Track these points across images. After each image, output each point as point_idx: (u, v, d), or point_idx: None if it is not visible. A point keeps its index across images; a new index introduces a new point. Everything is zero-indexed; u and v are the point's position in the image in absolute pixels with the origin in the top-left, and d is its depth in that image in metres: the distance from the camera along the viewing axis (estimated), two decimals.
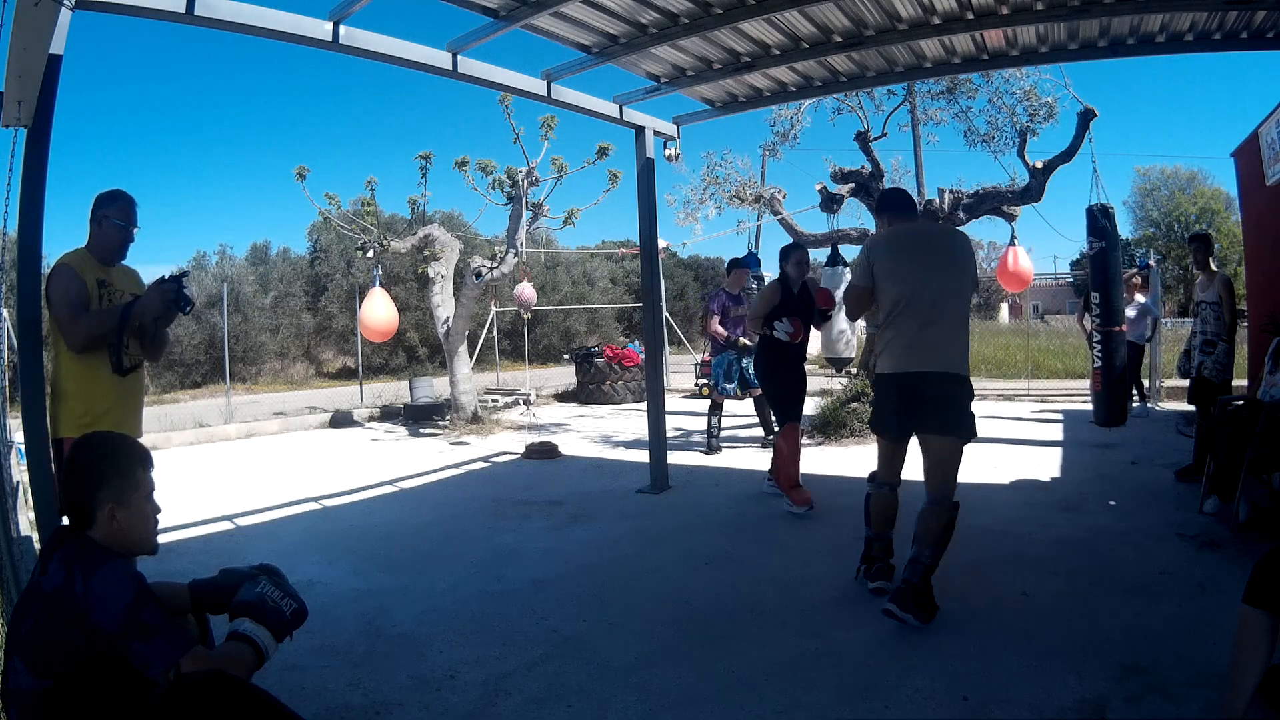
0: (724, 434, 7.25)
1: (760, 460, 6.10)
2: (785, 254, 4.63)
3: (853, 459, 5.88)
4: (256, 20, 3.25)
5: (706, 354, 12.53)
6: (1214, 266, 4.95)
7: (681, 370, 13.94)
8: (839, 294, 7.20)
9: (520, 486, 5.48)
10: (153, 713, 1.34)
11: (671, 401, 9.80)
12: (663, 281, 11.07)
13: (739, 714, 2.20)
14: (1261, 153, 5.33)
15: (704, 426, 8.07)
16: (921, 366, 2.86)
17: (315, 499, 5.23)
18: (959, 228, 7.51)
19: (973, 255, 3.04)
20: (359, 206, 9.94)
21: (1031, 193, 6.82)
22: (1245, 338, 6.19)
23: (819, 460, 5.88)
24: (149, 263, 2.81)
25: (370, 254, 8.45)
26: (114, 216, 2.56)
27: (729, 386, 6.22)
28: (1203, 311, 4.88)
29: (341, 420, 9.56)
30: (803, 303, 4.54)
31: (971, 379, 3.00)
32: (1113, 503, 4.29)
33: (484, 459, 6.74)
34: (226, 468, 6.74)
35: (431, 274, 8.70)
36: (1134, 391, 7.64)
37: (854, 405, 6.91)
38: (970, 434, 2.86)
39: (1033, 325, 23.10)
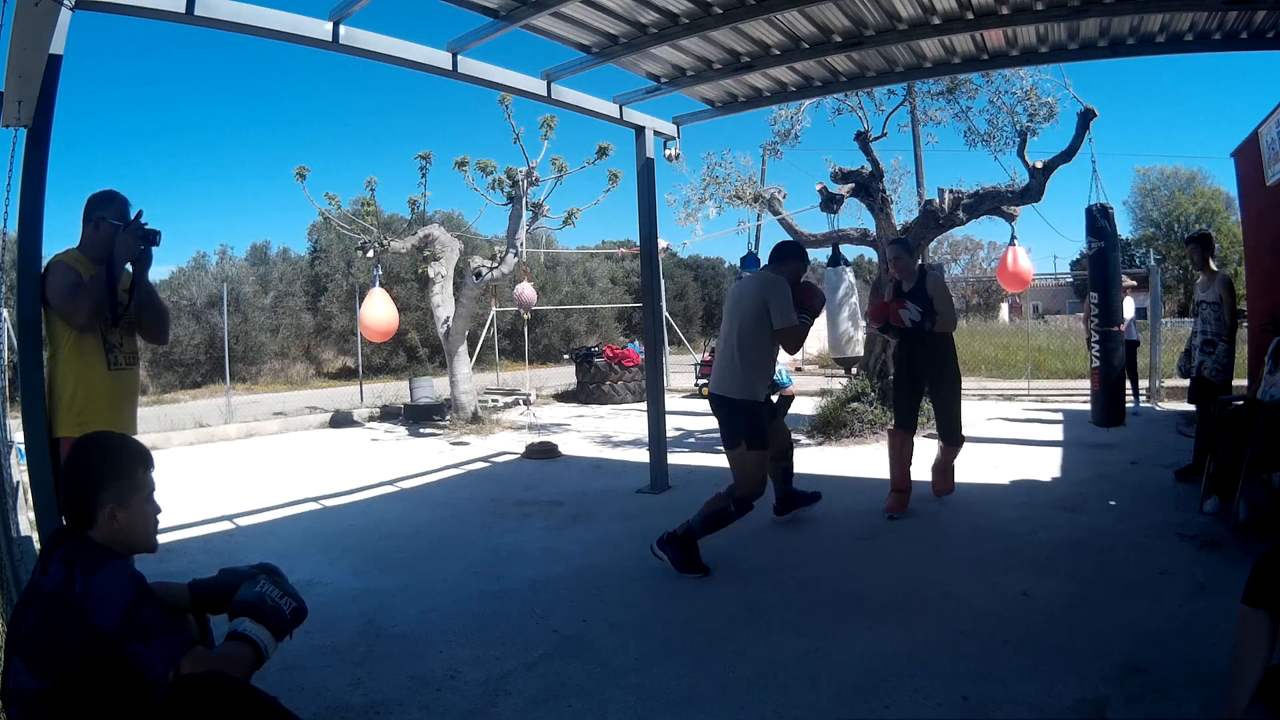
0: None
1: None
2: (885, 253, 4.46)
3: (853, 459, 5.88)
4: (256, 20, 3.25)
5: (706, 354, 12.57)
6: (1214, 266, 4.94)
7: (681, 370, 13.94)
8: (839, 295, 7.22)
9: (520, 486, 5.48)
10: (154, 714, 1.34)
11: (671, 401, 9.80)
12: (663, 281, 11.08)
13: (739, 714, 2.20)
14: (1261, 153, 5.33)
15: (704, 427, 8.10)
16: (709, 387, 3.75)
17: (315, 499, 5.23)
18: (955, 228, 7.53)
19: (765, 297, 3.52)
20: (359, 206, 9.95)
21: (1031, 193, 6.82)
22: (1245, 338, 6.18)
23: (819, 460, 5.88)
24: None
25: (370, 254, 8.46)
26: (111, 217, 2.55)
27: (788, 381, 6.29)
28: (1203, 311, 4.87)
29: (341, 420, 9.56)
30: (913, 300, 4.17)
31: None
32: (1113, 503, 4.29)
33: (484, 459, 6.74)
34: (226, 468, 6.74)
35: (431, 274, 8.70)
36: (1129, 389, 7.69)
37: (854, 405, 6.91)
38: (734, 443, 3.56)
39: (1033, 325, 23.13)
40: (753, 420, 3.52)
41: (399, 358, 19.01)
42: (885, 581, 3.24)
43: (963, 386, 4.41)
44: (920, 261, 7.58)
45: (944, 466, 4.41)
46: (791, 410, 8.10)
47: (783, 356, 4.34)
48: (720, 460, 6.18)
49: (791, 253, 3.87)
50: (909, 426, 4.32)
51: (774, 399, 6.41)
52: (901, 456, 4.26)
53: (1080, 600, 2.91)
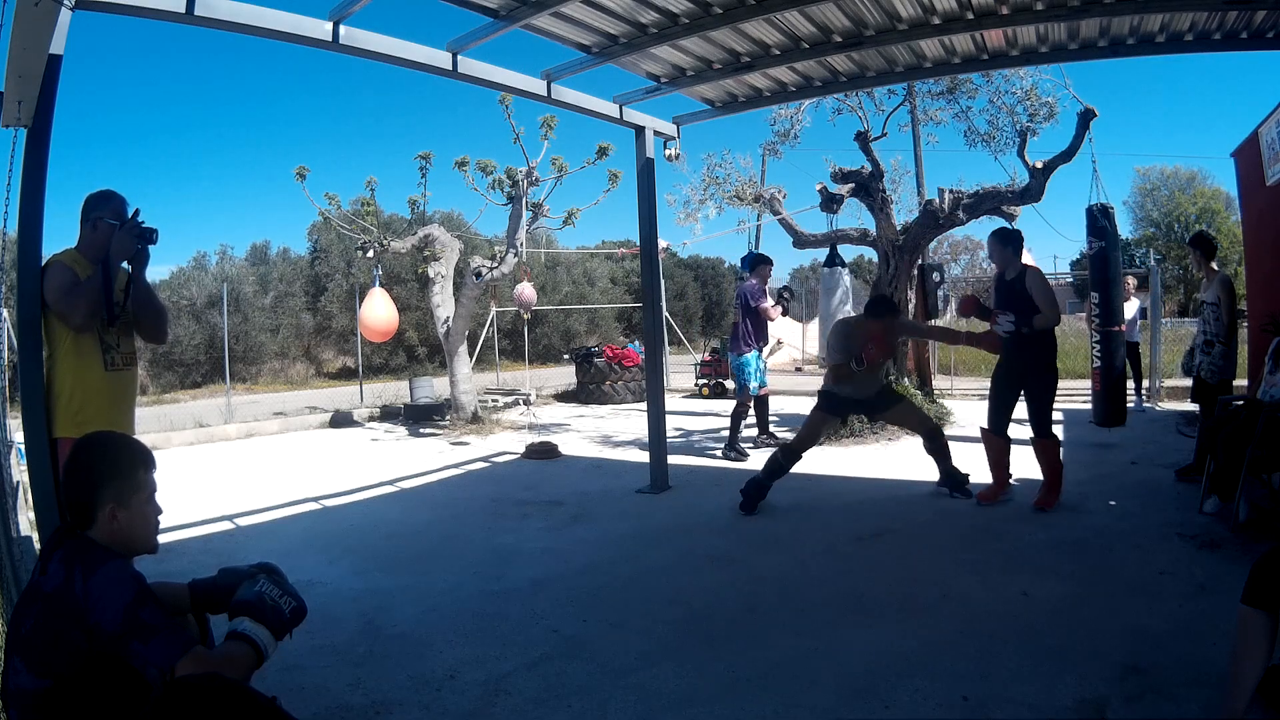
0: (720, 435, 7.26)
1: (762, 461, 6.09)
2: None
3: (853, 459, 5.88)
4: (256, 20, 3.25)
5: (707, 354, 12.56)
6: (1214, 267, 4.95)
7: (681, 370, 13.93)
8: (836, 296, 7.22)
9: (520, 486, 5.48)
10: (151, 714, 1.34)
11: (671, 401, 9.80)
12: (663, 281, 11.07)
13: (739, 714, 2.20)
14: (1261, 153, 5.33)
15: (704, 427, 8.09)
16: None
17: (315, 499, 5.23)
18: (955, 228, 7.55)
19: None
20: (359, 206, 9.94)
21: (1031, 193, 6.82)
22: (1245, 338, 6.18)
23: (819, 460, 5.87)
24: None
25: (370, 254, 8.45)
26: (109, 217, 2.55)
27: (755, 386, 6.27)
28: (1204, 312, 4.90)
29: (341, 420, 9.56)
30: (1012, 295, 4.16)
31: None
32: (1113, 503, 4.29)
33: (484, 459, 6.74)
34: (226, 468, 6.74)
35: (431, 274, 8.69)
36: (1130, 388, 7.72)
37: None
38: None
39: None
40: (822, 395, 4.72)
41: (399, 358, 19.00)
42: (885, 581, 3.24)
43: (996, 386, 4.49)
44: (921, 261, 7.62)
45: (1046, 471, 4.27)
46: (792, 410, 8.13)
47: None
48: (719, 461, 6.22)
49: (875, 309, 4.58)
50: (996, 427, 4.40)
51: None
52: (991, 453, 4.43)
53: (1080, 600, 2.91)
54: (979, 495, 4.47)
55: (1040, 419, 4.25)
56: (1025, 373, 4.29)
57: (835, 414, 4.82)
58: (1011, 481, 4.51)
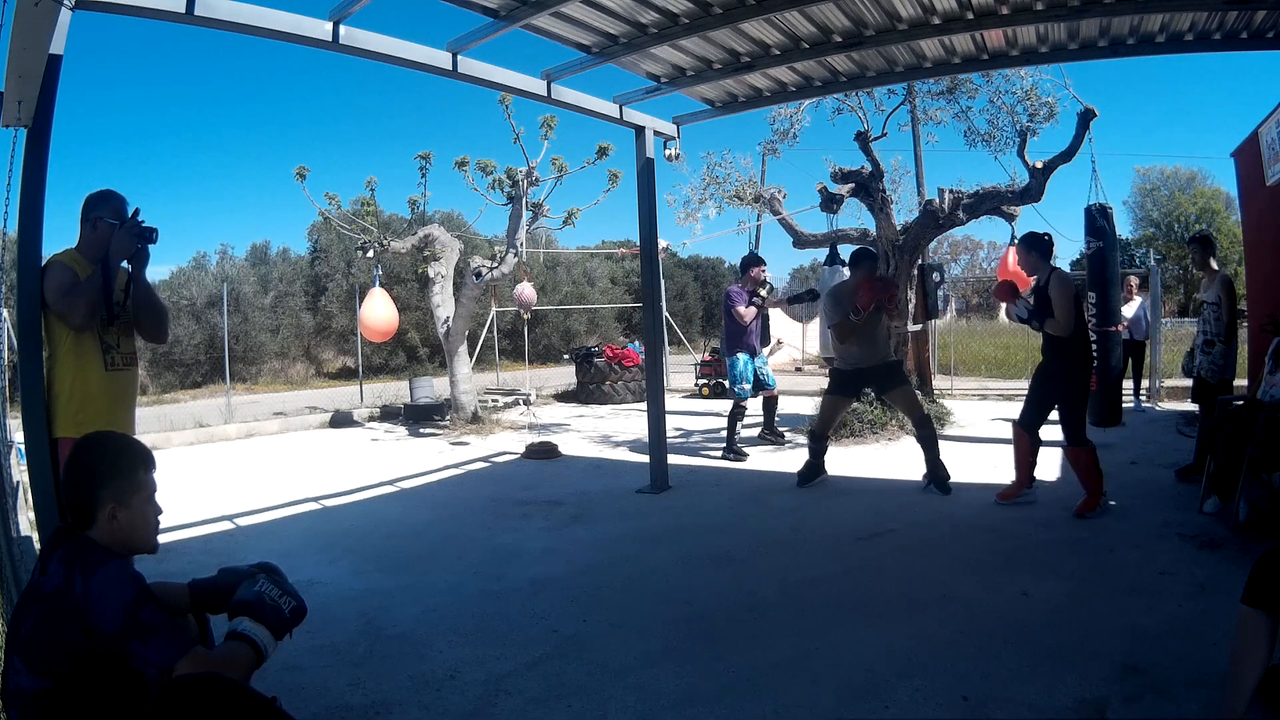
0: (721, 434, 7.27)
1: (762, 461, 6.10)
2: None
3: (853, 459, 5.88)
4: (256, 20, 3.25)
5: (707, 354, 12.57)
6: (1215, 266, 4.95)
7: (681, 370, 13.94)
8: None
9: (520, 486, 5.48)
10: (151, 715, 1.34)
11: (671, 401, 9.80)
12: (663, 281, 11.06)
13: (739, 714, 2.20)
14: (1261, 153, 5.33)
15: (704, 427, 8.09)
16: None
17: (315, 499, 5.23)
18: (955, 228, 7.54)
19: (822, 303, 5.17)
20: (359, 206, 9.93)
21: (1031, 193, 6.82)
22: (1245, 338, 6.18)
23: None
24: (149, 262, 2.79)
25: (370, 254, 8.45)
26: (108, 216, 2.55)
27: (745, 388, 6.26)
28: (1204, 311, 4.91)
29: (341, 420, 9.56)
30: (1042, 299, 4.14)
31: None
32: (1113, 503, 4.29)
33: (484, 459, 6.74)
34: (226, 468, 6.74)
35: (431, 274, 8.69)
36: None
37: (854, 405, 6.89)
38: None
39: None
40: (831, 377, 5.18)
41: (399, 358, 18.99)
42: (885, 581, 3.24)
43: (1033, 384, 4.44)
44: (921, 261, 7.61)
45: (1082, 480, 4.21)
46: (792, 410, 8.14)
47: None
48: (719, 461, 6.22)
49: (852, 261, 5.04)
50: (1025, 423, 4.40)
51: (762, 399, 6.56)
52: (1018, 450, 4.44)
53: (1080, 600, 2.91)
54: (999, 495, 4.45)
55: (1071, 428, 4.21)
56: (1059, 380, 4.24)
57: (845, 394, 5.13)
58: (1005, 482, 4.50)
